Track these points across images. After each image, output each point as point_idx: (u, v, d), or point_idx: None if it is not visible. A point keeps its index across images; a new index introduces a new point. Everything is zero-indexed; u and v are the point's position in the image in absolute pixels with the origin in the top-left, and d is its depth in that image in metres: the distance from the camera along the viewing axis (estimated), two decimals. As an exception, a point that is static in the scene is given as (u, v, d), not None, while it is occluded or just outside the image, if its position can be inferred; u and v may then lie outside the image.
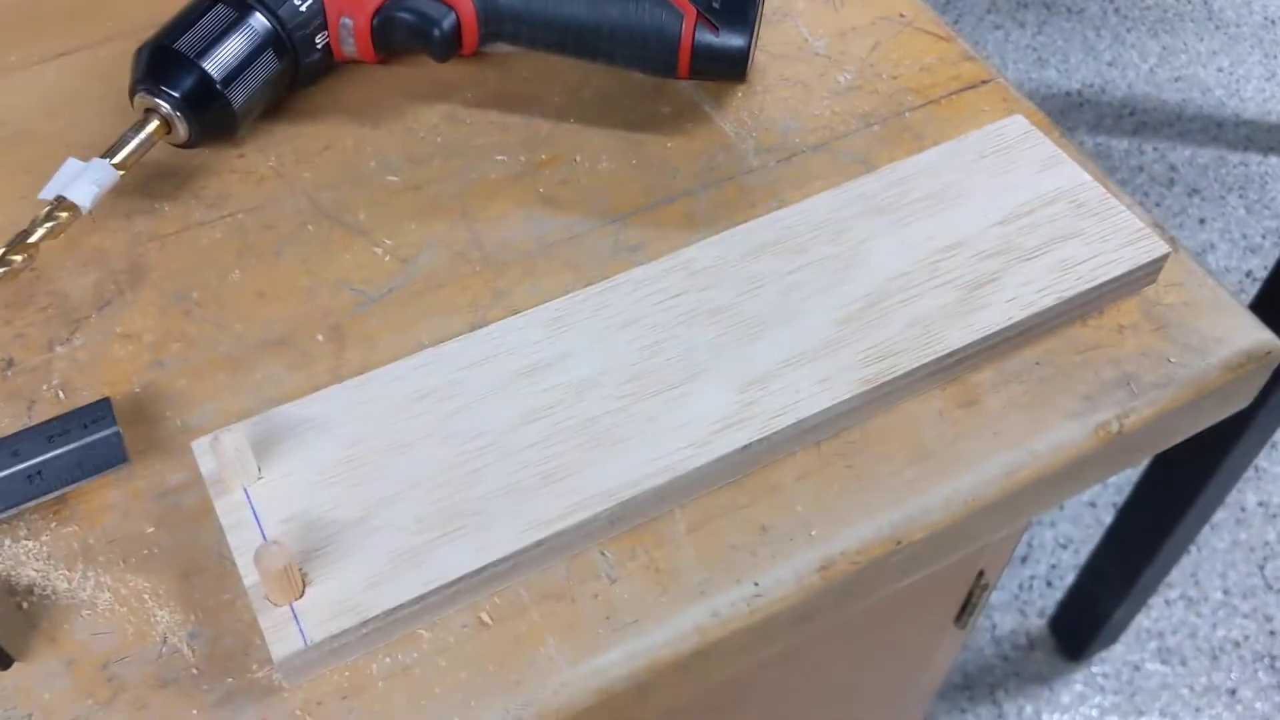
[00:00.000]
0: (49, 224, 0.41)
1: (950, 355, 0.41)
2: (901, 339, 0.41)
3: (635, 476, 0.38)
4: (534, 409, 0.39)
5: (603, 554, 0.38)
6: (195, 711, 0.35)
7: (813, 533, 0.39)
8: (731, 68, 0.49)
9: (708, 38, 0.48)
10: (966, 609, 0.61)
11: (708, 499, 0.40)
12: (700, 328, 0.41)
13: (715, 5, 0.48)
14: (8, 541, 0.38)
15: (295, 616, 0.35)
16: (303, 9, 0.47)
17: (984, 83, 0.52)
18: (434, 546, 0.36)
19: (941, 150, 0.47)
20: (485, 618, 0.37)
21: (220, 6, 0.46)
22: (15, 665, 0.36)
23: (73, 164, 0.43)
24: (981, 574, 0.59)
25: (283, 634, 0.34)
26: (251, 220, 0.46)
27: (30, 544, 0.38)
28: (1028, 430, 0.41)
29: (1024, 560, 1.34)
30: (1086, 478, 0.43)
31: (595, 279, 0.44)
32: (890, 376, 0.40)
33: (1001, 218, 0.45)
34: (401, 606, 0.35)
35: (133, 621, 0.37)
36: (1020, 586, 1.33)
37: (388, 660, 0.36)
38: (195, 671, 0.36)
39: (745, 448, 0.39)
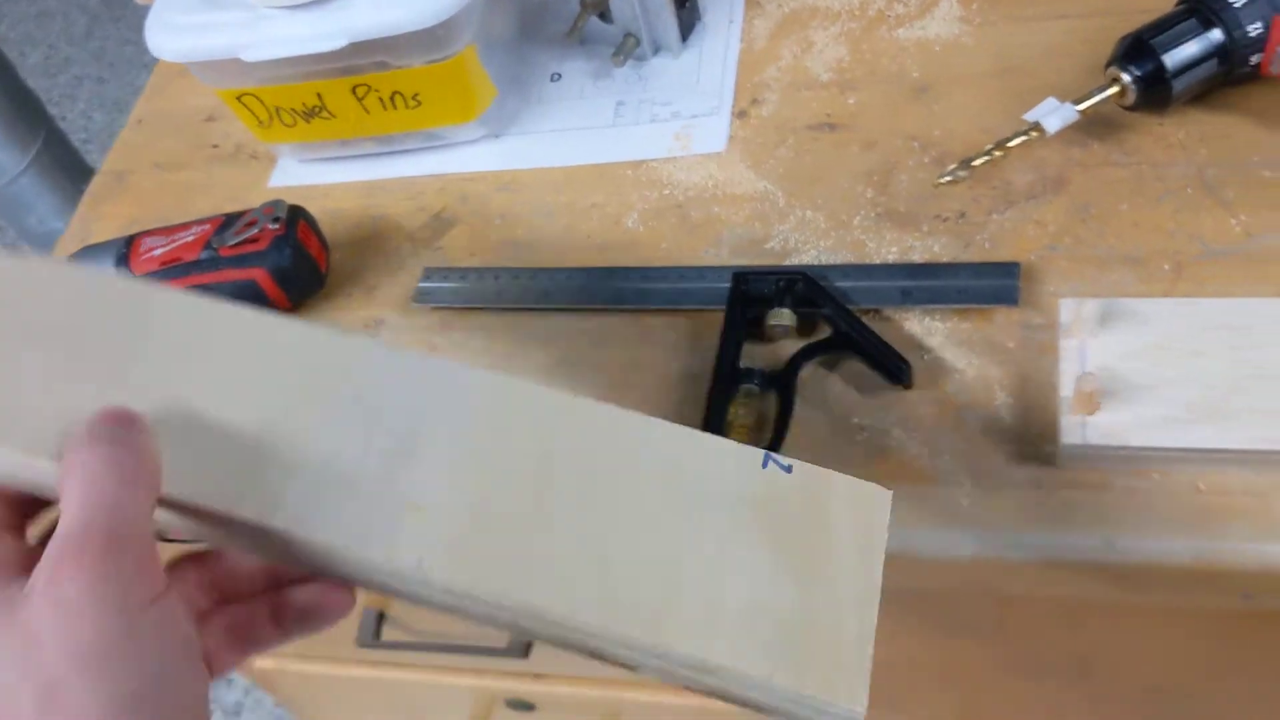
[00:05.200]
0: (1023, 137, 0.63)
1: None
2: None
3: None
4: (1300, 366, 0.53)
5: (1308, 482, 0.52)
6: (1000, 456, 0.56)
7: None
8: None
9: None
10: None
11: None
12: None
13: None
14: (928, 319, 0.62)
15: (1084, 424, 0.54)
16: (1252, 36, 0.62)
17: None
18: (1188, 422, 0.53)
19: None
20: (1201, 485, 0.53)
21: (1192, 20, 0.63)
22: (907, 391, 0.60)
23: (1051, 102, 0.64)
24: None
25: (1072, 432, 0.54)
26: (1150, 172, 0.64)
27: (940, 325, 0.62)
28: None
29: None
30: None
31: (1399, 296, 0.55)
32: None
33: None
34: (1150, 449, 0.53)
35: (982, 391, 0.59)
36: None
37: (1129, 480, 0.54)
38: (1009, 434, 0.57)
39: None
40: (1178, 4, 0.64)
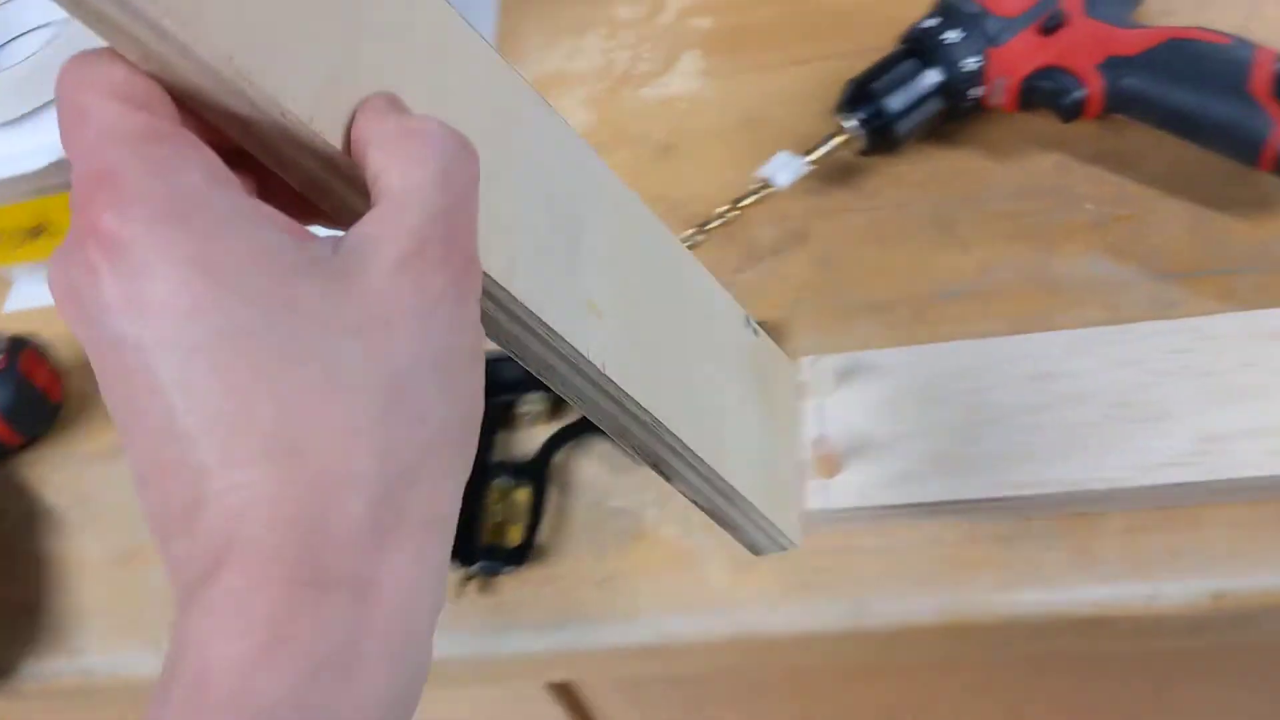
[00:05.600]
0: (756, 195, 0.63)
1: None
2: (1363, 442, 0.49)
3: (1087, 477, 0.51)
4: (1033, 405, 0.53)
5: (1047, 525, 0.52)
6: (752, 525, 0.55)
7: (1217, 569, 0.49)
8: (1313, 174, 0.56)
9: (1294, 147, 0.56)
10: None
11: (1143, 515, 0.51)
12: (1187, 382, 0.52)
13: (1311, 119, 0.55)
14: (680, 387, 0.61)
15: (826, 488, 0.53)
16: (969, 71, 0.62)
17: None
18: (926, 476, 0.52)
19: None
20: (947, 537, 0.53)
21: (911, 61, 0.63)
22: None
23: (782, 156, 0.63)
24: None
25: (816, 497, 0.53)
26: (889, 216, 0.64)
27: (692, 393, 0.60)
28: None
29: None
30: None
31: (1124, 321, 0.56)
32: (1335, 468, 0.48)
33: None
34: (893, 506, 0.52)
35: (734, 459, 0.58)
36: None
37: (875, 540, 0.53)
38: (760, 502, 0.56)
39: (1183, 485, 0.50)
40: (899, 44, 0.65)
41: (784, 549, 0.48)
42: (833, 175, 0.66)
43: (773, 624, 0.53)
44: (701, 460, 0.42)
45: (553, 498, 0.59)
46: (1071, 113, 0.61)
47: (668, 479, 0.43)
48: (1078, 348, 0.55)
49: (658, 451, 0.42)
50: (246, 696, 0.23)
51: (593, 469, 0.59)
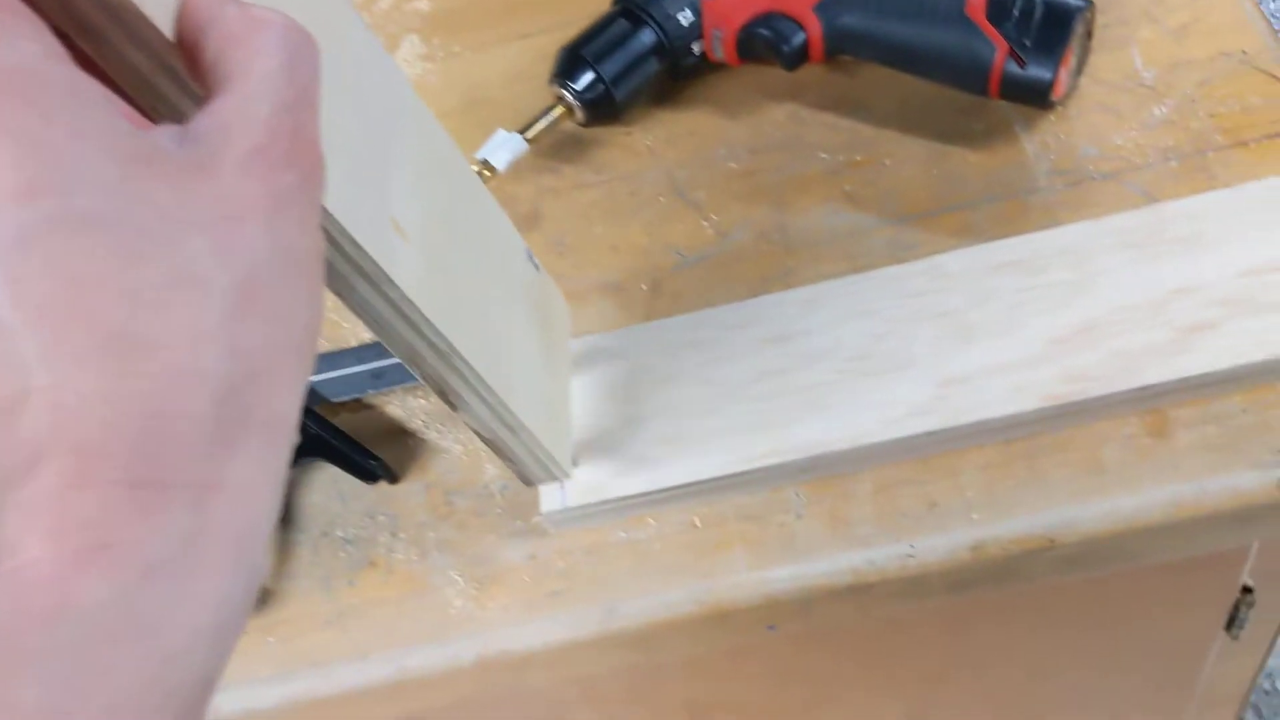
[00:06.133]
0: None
1: (1143, 389, 0.46)
2: (1101, 367, 0.46)
3: (830, 439, 0.47)
4: (768, 370, 0.50)
5: (797, 494, 0.48)
6: (493, 536, 0.50)
7: (974, 516, 0.46)
8: (1037, 99, 0.54)
9: (1015, 71, 0.53)
10: (1234, 621, 0.62)
11: (894, 469, 0.48)
12: (925, 325, 0.49)
13: (1027, 42, 0.53)
14: (410, 399, 0.56)
15: (563, 487, 0.49)
16: (684, 25, 0.59)
17: (1308, 128, 0.52)
18: (665, 459, 0.48)
19: (1216, 196, 0.50)
20: (696, 521, 0.49)
21: (621, 21, 0.59)
22: (395, 486, 0.53)
23: (499, 134, 0.59)
24: (1249, 590, 0.60)
25: (552, 496, 0.49)
26: (622, 187, 0.60)
27: (422, 403, 0.55)
28: (1207, 469, 0.45)
29: None
30: (1255, 528, 0.46)
31: (865, 270, 0.53)
32: (1078, 398, 0.46)
33: (1248, 268, 0.47)
34: (634, 496, 0.48)
35: (471, 469, 0.53)
36: None
37: (621, 534, 0.49)
38: (500, 511, 0.51)
39: (930, 434, 0.47)
40: (612, 5, 0.61)
41: (558, 480, 0.48)
42: (561, 151, 0.62)
43: (521, 641, 0.48)
44: (492, 391, 0.41)
45: (279, 533, 0.53)
46: (794, 59, 0.58)
47: (454, 408, 0.41)
48: (813, 304, 0.51)
49: (448, 380, 0.40)
50: (65, 600, 0.21)
51: (318, 497, 0.54)
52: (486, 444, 0.44)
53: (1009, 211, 0.54)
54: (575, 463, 0.49)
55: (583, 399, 0.51)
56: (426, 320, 0.37)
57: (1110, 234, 0.50)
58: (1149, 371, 0.46)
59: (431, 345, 0.38)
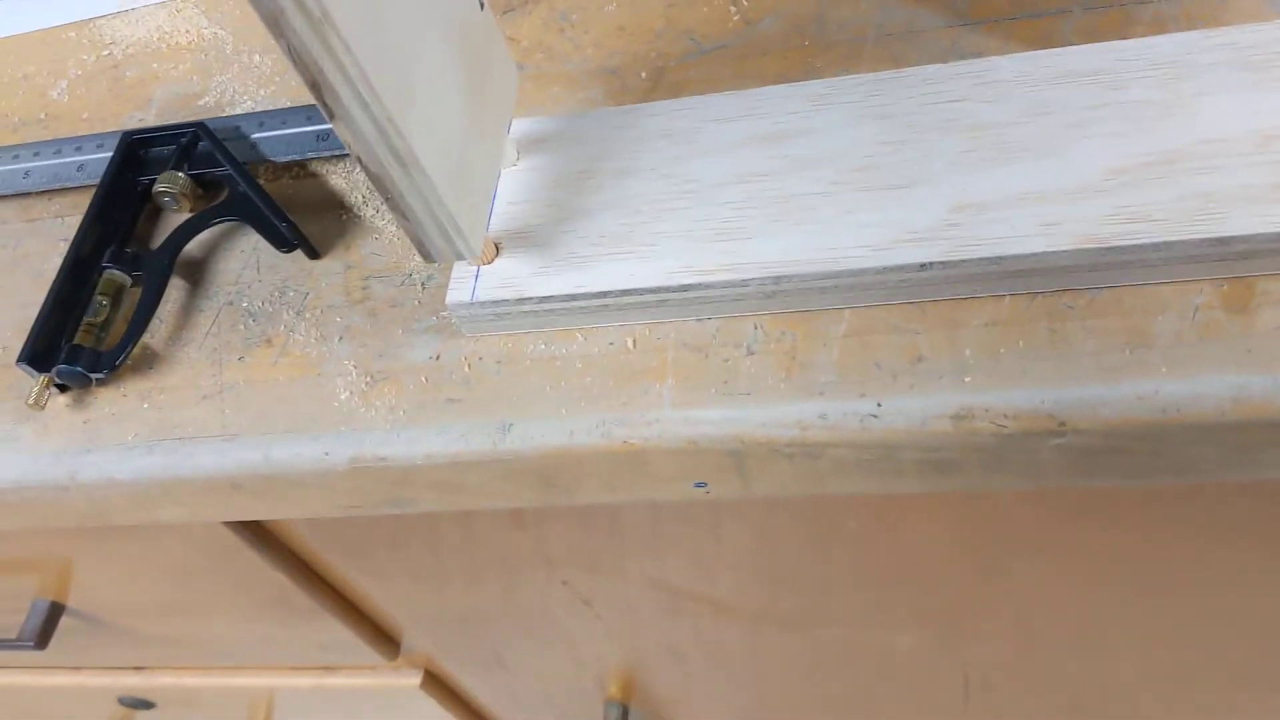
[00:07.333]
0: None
1: (1222, 242, 0.34)
2: (1171, 208, 0.35)
3: (801, 257, 0.37)
4: (749, 172, 0.40)
5: (756, 327, 0.39)
6: (400, 331, 0.43)
7: (967, 379, 0.36)
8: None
9: None
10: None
11: (881, 311, 0.38)
12: (953, 138, 0.38)
13: None
14: (357, 171, 0.48)
15: (475, 276, 0.40)
16: None
17: None
18: (600, 260, 0.39)
19: (1384, 11, 0.37)
20: (630, 343, 0.40)
21: None
22: (318, 262, 0.46)
23: (515, -116, 0.50)
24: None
25: (461, 287, 0.41)
26: (651, -36, 0.50)
27: (364, 176, 0.48)
28: (1290, 360, 0.33)
29: None
30: (1344, 441, 0.33)
31: (906, 76, 0.42)
32: (1128, 242, 0.34)
33: (1406, 104, 0.34)
34: (557, 298, 0.39)
35: (400, 254, 0.45)
36: None
37: (542, 346, 0.41)
38: (418, 303, 0.43)
39: (928, 267, 0.36)
40: None
41: (462, 258, 0.38)
42: (590, -81, 0.53)
43: (398, 448, 0.40)
44: (378, 96, 0.32)
45: (179, 297, 0.46)
46: None
47: (329, 114, 0.33)
48: (823, 100, 0.41)
49: (319, 60, 0.31)
50: None
51: (234, 264, 0.47)
52: (372, 182, 0.35)
53: (1110, 23, 0.42)
54: (497, 251, 0.41)
55: (517, 183, 0.42)
56: None
57: (1222, 49, 0.38)
58: (1235, 220, 0.34)
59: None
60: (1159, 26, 0.41)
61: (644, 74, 0.47)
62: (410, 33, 0.34)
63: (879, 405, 0.36)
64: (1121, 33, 0.41)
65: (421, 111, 0.34)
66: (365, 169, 0.35)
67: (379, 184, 0.35)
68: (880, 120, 0.40)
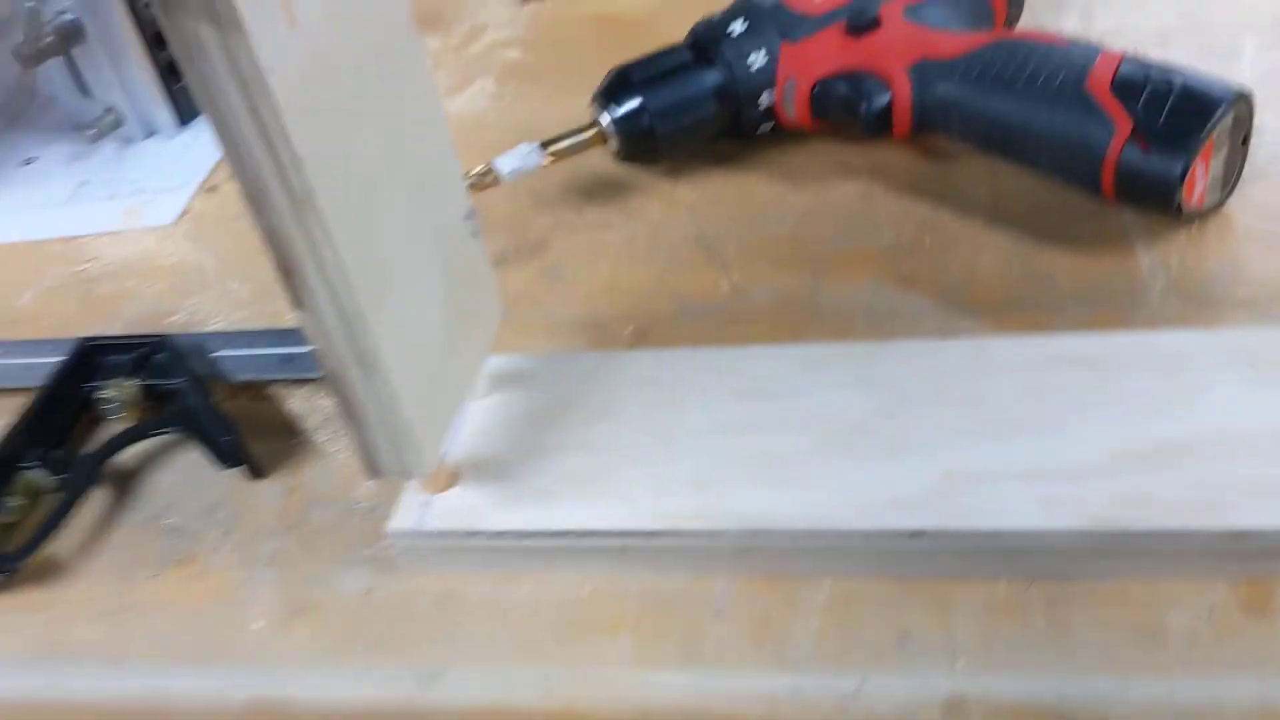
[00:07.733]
0: (472, 180, 0.50)
1: (1240, 540, 0.31)
2: (1179, 493, 0.32)
3: (779, 513, 0.34)
4: (732, 425, 0.38)
5: (725, 586, 0.35)
6: (333, 560, 0.39)
7: (959, 663, 0.32)
8: (1161, 195, 0.42)
9: (1137, 156, 0.42)
10: None
11: (864, 583, 0.34)
12: (948, 409, 0.36)
13: (1159, 124, 0.42)
14: (317, 397, 0.46)
15: (426, 504, 0.37)
16: (755, 70, 0.50)
17: None
18: (565, 497, 0.36)
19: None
20: (587, 592, 0.36)
21: (684, 51, 0.51)
22: (260, 482, 0.43)
23: (522, 147, 0.51)
24: None
25: (408, 514, 0.37)
26: (645, 235, 0.51)
27: (327, 403, 0.45)
28: (1320, 668, 0.30)
29: None
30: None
31: (897, 353, 0.41)
32: (1138, 527, 0.32)
33: None
34: (513, 534, 0.36)
35: (345, 482, 0.42)
36: None
37: (488, 587, 0.37)
38: (358, 533, 0.40)
39: (917, 535, 0.33)
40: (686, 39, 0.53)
41: (411, 476, 0.35)
42: (593, 191, 0.54)
43: (306, 689, 0.35)
44: (351, 289, 0.30)
45: (102, 506, 0.43)
46: (875, 124, 0.49)
47: (297, 300, 0.31)
48: (811, 364, 0.39)
49: (295, 245, 0.29)
50: None
51: (169, 478, 0.44)
52: (327, 380, 0.32)
53: (1100, 320, 0.41)
54: (455, 480, 0.38)
55: (486, 416, 0.40)
56: (283, 130, 0.27)
57: (1225, 348, 0.37)
58: (1248, 513, 0.31)
59: (282, 173, 0.28)
60: (1153, 326, 0.40)
61: (629, 330, 0.45)
62: (396, 232, 0.33)
63: (862, 685, 0.32)
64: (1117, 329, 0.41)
65: (393, 312, 0.33)
66: (321, 364, 0.32)
67: (334, 382, 0.32)
68: (870, 387, 0.38)
